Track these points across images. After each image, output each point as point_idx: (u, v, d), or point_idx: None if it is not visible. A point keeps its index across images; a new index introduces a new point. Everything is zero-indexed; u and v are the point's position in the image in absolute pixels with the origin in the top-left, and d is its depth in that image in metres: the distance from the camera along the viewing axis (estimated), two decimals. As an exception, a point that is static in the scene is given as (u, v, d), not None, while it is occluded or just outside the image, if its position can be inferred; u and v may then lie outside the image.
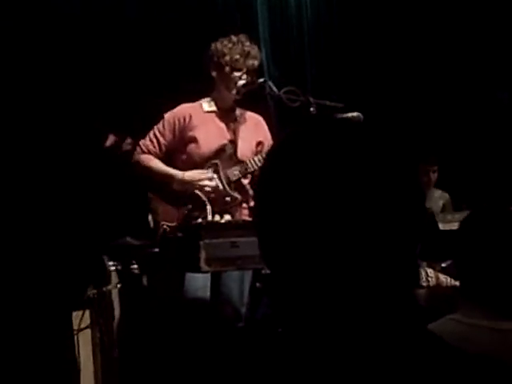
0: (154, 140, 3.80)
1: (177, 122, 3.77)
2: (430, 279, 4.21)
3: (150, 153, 3.80)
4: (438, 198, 5.40)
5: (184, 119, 3.76)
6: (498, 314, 1.82)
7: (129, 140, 3.75)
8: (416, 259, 1.05)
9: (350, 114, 3.74)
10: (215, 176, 3.71)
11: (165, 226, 3.59)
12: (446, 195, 5.47)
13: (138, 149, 3.84)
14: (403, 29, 5.57)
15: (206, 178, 3.69)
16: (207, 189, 3.66)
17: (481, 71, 5.68)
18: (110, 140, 3.69)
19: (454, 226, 4.42)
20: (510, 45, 5.65)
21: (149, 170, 3.79)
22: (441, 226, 4.28)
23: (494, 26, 5.66)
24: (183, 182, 3.69)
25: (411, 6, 5.63)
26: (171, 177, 3.72)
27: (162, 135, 3.79)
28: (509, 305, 1.83)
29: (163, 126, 3.79)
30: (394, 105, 5.37)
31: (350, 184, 0.97)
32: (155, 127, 3.81)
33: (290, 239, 0.98)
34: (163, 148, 3.79)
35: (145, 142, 3.82)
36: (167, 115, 3.81)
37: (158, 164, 3.78)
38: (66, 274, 3.76)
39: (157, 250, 3.58)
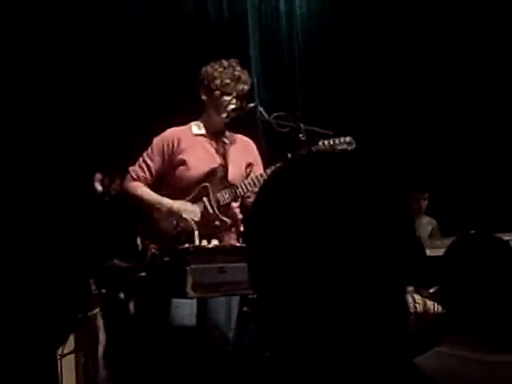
0: (144, 165, 3.80)
1: (165, 146, 3.77)
2: (417, 305, 4.21)
3: (139, 178, 3.79)
4: (426, 225, 5.40)
5: (173, 143, 3.76)
6: (486, 345, 1.79)
7: (117, 181, 3.75)
8: (405, 290, 1.06)
9: (342, 139, 3.76)
10: (205, 200, 3.70)
11: (153, 250, 3.57)
12: (434, 221, 5.48)
13: (128, 176, 3.83)
14: (394, 55, 5.60)
15: (192, 211, 3.68)
16: (193, 220, 3.64)
17: (473, 95, 5.71)
18: (98, 186, 3.70)
19: (442, 251, 4.43)
20: (501, 68, 5.68)
21: (137, 199, 3.78)
22: (428, 252, 4.28)
23: (487, 49, 5.69)
24: (171, 212, 3.68)
25: (402, 33, 5.66)
26: (159, 206, 3.71)
27: (151, 160, 3.79)
28: (497, 336, 1.80)
29: (152, 151, 3.79)
30: (385, 130, 5.38)
31: (339, 216, 0.98)
32: (144, 153, 3.81)
33: (280, 267, 0.99)
34: (153, 172, 3.79)
35: (134, 168, 3.82)
36: (156, 139, 3.80)
37: (146, 192, 3.78)
38: (53, 297, 3.74)
39: (144, 274, 3.55)
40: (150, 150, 3.80)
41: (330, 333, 0.98)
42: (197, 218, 3.65)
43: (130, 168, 3.83)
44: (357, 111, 5.31)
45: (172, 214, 3.67)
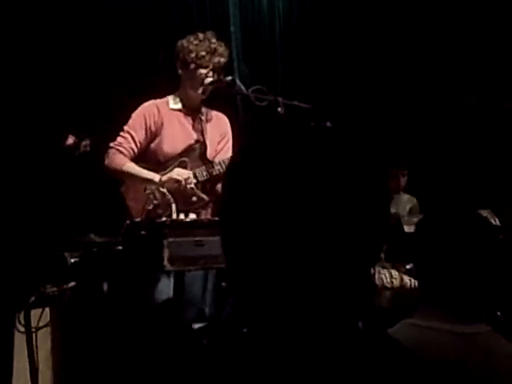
0: (128, 136, 3.73)
1: (147, 117, 3.73)
2: (394, 280, 4.22)
3: (126, 150, 3.72)
4: (405, 202, 5.42)
5: (154, 115, 3.73)
6: (459, 317, 1.81)
7: (87, 141, 3.68)
8: (372, 264, 1.06)
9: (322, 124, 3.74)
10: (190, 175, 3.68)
11: (128, 222, 3.53)
12: (414, 199, 5.50)
13: (112, 150, 3.73)
14: (374, 27, 5.58)
15: (183, 179, 3.63)
16: (190, 186, 3.60)
17: (450, 73, 5.72)
18: (69, 140, 3.62)
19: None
20: (479, 47, 5.69)
21: (123, 174, 3.71)
22: (406, 229, 4.29)
23: (464, 28, 5.70)
24: (161, 185, 3.61)
25: (383, 5, 5.64)
26: (148, 181, 3.64)
27: (135, 131, 3.72)
28: (469, 308, 1.82)
29: (134, 122, 3.74)
30: (364, 107, 5.37)
31: (314, 186, 0.98)
32: (125, 126, 3.74)
33: (252, 238, 1.00)
34: (137, 144, 3.73)
35: (118, 141, 3.73)
36: (137, 111, 3.75)
37: (132, 167, 3.70)
38: (23, 270, 3.70)
39: (120, 247, 3.52)
40: (131, 122, 3.74)
41: (303, 305, 0.99)
42: (194, 180, 3.61)
43: (112, 143, 3.74)
44: (336, 86, 5.30)
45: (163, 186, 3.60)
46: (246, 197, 1.01)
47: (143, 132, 3.71)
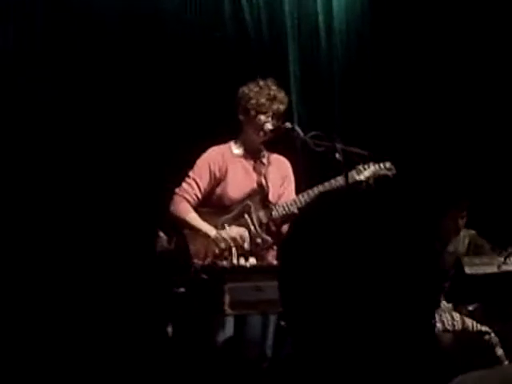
0: (193, 183, 3.81)
1: (211, 164, 3.82)
2: (455, 323, 4.19)
3: (190, 196, 3.79)
4: (463, 238, 5.35)
5: (218, 161, 3.83)
6: None
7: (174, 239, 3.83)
8: (431, 317, 1.11)
9: (382, 164, 3.80)
10: (247, 218, 3.76)
11: (195, 266, 3.62)
12: (472, 232, 5.42)
13: (176, 197, 3.81)
14: (434, 73, 5.58)
15: (239, 237, 3.70)
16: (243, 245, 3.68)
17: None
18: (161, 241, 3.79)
19: (481, 269, 4.42)
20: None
21: (185, 223, 3.78)
22: (467, 270, 4.26)
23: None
24: (217, 240, 3.69)
25: (446, 51, 5.63)
26: (205, 234, 3.72)
27: (200, 177, 3.81)
28: None
29: (199, 169, 3.83)
30: (424, 145, 5.36)
31: (366, 249, 1.07)
32: (190, 172, 3.83)
33: (311, 296, 1.07)
34: (202, 190, 3.81)
35: (183, 188, 3.82)
36: (201, 158, 3.85)
37: (194, 219, 3.77)
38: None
39: (183, 289, 3.63)
40: (196, 169, 3.83)
41: (358, 351, 1.04)
42: (247, 245, 3.68)
43: (177, 189, 3.83)
44: (396, 129, 5.31)
45: (219, 241, 3.68)
46: (305, 259, 1.09)
47: (208, 178, 3.81)
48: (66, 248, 4.47)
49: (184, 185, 3.83)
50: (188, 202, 3.80)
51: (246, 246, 3.66)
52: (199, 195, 3.81)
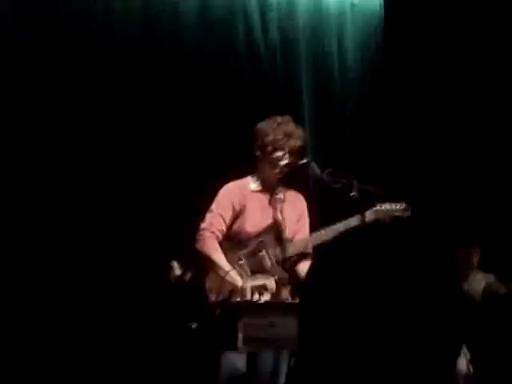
0: (219, 217, 3.78)
1: (232, 199, 3.81)
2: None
3: (217, 234, 3.76)
4: (479, 280, 5.32)
5: (238, 196, 3.82)
6: None
7: (190, 272, 3.82)
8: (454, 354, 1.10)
9: (398, 205, 3.81)
10: (264, 254, 3.75)
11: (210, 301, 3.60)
12: (491, 276, 5.38)
13: (204, 232, 3.76)
14: (450, 109, 5.61)
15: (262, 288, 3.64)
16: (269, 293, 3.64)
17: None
18: (176, 272, 3.78)
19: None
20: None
21: (210, 261, 3.74)
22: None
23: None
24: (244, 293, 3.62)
25: (456, 79, 5.66)
26: (231, 283, 3.66)
27: (224, 211, 3.78)
28: None
29: (222, 203, 3.80)
30: (437, 187, 5.37)
31: (386, 287, 1.05)
32: (213, 206, 3.80)
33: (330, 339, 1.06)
34: (227, 224, 3.78)
35: (209, 223, 3.78)
36: (223, 192, 3.83)
37: (220, 259, 3.73)
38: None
39: (195, 325, 3.61)
40: (219, 203, 3.80)
41: None
42: (271, 292, 3.63)
43: (204, 224, 3.78)
44: (411, 166, 5.32)
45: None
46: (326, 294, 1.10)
47: (230, 213, 3.78)
48: (79, 271, 4.50)
49: (211, 219, 3.79)
50: (216, 237, 3.77)
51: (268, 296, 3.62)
52: (224, 230, 3.79)
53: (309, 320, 0.96)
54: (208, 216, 3.80)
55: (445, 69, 5.65)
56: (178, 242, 4.10)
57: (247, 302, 3.44)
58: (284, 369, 3.73)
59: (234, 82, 5.05)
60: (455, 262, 5.00)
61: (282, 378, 3.73)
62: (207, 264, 3.75)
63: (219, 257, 3.73)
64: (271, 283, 3.66)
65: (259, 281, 3.65)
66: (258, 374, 3.66)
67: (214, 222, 3.78)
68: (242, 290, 3.60)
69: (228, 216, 3.79)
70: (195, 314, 3.65)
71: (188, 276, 3.73)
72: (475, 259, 5.27)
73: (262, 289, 3.61)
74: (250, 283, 3.62)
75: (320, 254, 3.80)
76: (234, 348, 3.32)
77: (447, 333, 1.07)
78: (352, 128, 5.38)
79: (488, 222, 5.47)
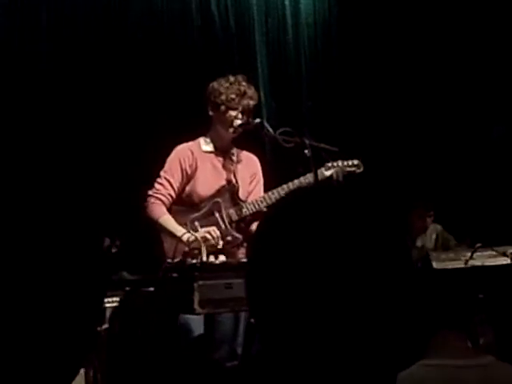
0: (165, 182, 3.77)
1: (182, 162, 3.78)
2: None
3: (162, 198, 3.75)
4: (430, 233, 5.41)
5: (188, 158, 3.79)
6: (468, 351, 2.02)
7: (117, 242, 3.75)
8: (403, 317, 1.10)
9: (350, 162, 3.81)
10: (217, 215, 3.73)
11: (165, 264, 3.57)
12: (437, 226, 5.48)
13: (150, 198, 3.76)
14: (400, 62, 5.61)
15: (211, 237, 3.65)
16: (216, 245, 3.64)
17: (477, 106, 5.71)
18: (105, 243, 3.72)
19: (449, 265, 4.44)
20: (505, 78, 5.68)
21: (158, 225, 3.74)
22: (435, 265, 4.28)
23: (494, 58, 5.70)
24: (189, 243, 3.65)
25: (410, 41, 5.67)
26: (177, 238, 3.68)
27: (172, 176, 3.77)
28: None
29: (170, 168, 3.78)
30: (390, 141, 5.40)
31: (335, 245, 1.07)
32: (162, 172, 3.79)
33: (279, 292, 1.07)
34: (175, 188, 3.77)
35: (156, 189, 3.77)
36: (172, 156, 3.80)
37: (166, 221, 3.73)
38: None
39: (151, 289, 3.58)
40: (167, 168, 3.79)
41: (325, 346, 1.05)
42: (219, 244, 3.64)
43: (151, 191, 3.78)
44: (362, 125, 5.33)
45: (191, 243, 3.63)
46: (274, 257, 1.09)
47: (180, 176, 3.77)
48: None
49: (157, 185, 3.78)
50: (162, 202, 3.76)
51: (218, 244, 3.62)
52: (172, 194, 3.77)
53: (262, 279, 0.96)
54: (156, 182, 3.78)
55: (397, 26, 5.64)
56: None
57: (203, 263, 3.42)
58: (242, 329, 3.74)
59: (186, 42, 4.97)
60: (408, 222, 5.05)
61: (241, 339, 3.75)
62: (158, 229, 3.73)
63: (167, 221, 3.71)
64: (215, 232, 3.65)
65: (200, 233, 3.63)
66: (217, 335, 3.66)
67: (160, 187, 3.76)
68: (187, 242, 3.60)
69: (177, 180, 3.76)
70: (151, 278, 3.62)
71: (115, 247, 3.69)
72: (429, 222, 5.35)
73: (207, 240, 3.58)
74: (195, 236, 3.59)
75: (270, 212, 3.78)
76: (191, 311, 3.30)
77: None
78: (305, 88, 5.36)
79: (440, 179, 5.53)
